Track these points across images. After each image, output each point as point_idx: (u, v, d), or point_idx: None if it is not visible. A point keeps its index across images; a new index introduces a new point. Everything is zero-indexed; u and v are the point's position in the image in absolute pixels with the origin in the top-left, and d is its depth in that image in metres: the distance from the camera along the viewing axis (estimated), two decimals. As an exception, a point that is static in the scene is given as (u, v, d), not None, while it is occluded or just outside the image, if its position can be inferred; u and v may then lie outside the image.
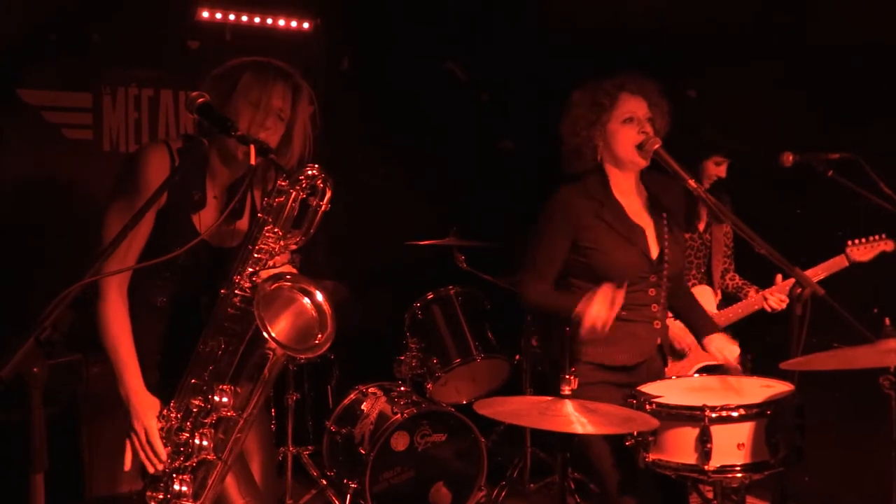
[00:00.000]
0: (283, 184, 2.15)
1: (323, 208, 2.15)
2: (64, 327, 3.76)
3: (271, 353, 2.14)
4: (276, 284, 2.17)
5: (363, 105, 5.16)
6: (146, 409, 2.22)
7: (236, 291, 2.17)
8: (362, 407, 4.07)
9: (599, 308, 2.53)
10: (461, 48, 5.47)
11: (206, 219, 2.36)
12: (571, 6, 4.50)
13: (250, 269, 2.17)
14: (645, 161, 2.75)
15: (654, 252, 2.78)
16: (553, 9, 4.64)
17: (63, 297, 1.72)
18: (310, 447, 4.44)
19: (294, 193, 2.15)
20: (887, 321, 2.23)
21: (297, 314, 2.21)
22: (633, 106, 2.75)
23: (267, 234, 2.17)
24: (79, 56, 4.54)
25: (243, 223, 2.43)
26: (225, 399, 2.15)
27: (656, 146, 2.67)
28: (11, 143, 4.42)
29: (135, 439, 2.21)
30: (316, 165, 2.17)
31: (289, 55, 2.46)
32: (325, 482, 4.21)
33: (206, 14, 4.77)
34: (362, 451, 3.86)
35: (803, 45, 3.89)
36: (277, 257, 2.20)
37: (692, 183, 2.58)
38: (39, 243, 4.35)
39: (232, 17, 4.83)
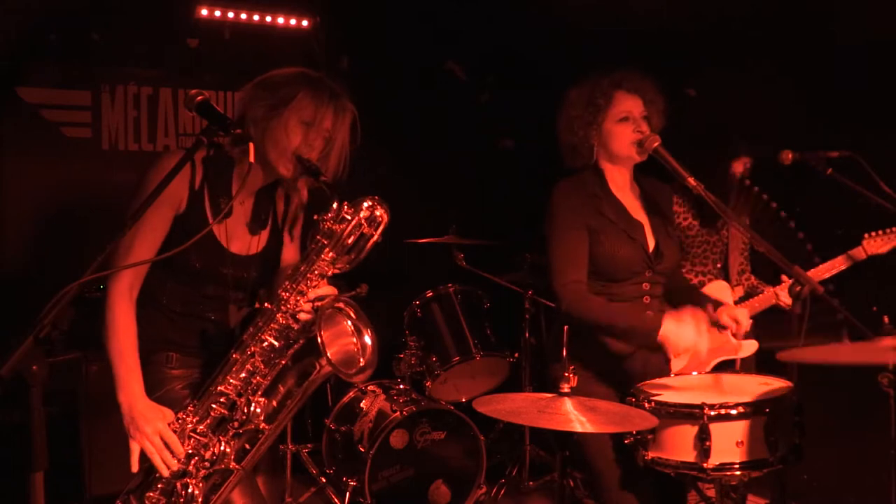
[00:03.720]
0: (348, 211, 2.19)
1: (375, 238, 2.21)
2: (64, 325, 3.74)
3: (316, 370, 2.18)
4: (337, 306, 2.24)
5: (363, 105, 5.15)
6: (155, 413, 2.18)
7: (282, 308, 2.19)
8: (361, 405, 4.06)
9: (692, 333, 2.50)
10: (461, 48, 5.47)
11: (231, 226, 2.36)
12: (572, 6, 4.50)
13: (300, 289, 2.20)
14: (641, 157, 2.75)
15: (651, 247, 2.80)
16: (553, 8, 4.63)
17: (62, 295, 1.73)
18: (309, 445, 4.43)
19: (355, 221, 2.19)
20: (886, 319, 2.23)
21: (343, 339, 2.27)
22: (629, 105, 2.75)
23: (323, 258, 2.21)
24: (78, 54, 4.53)
25: (266, 233, 2.45)
26: (258, 410, 2.17)
27: (655, 144, 2.68)
28: (10, 142, 4.42)
29: (146, 443, 2.15)
30: (374, 197, 2.22)
31: (288, 53, 2.47)
32: (324, 480, 4.21)
33: (205, 12, 4.76)
34: (361, 449, 3.86)
35: (803, 45, 3.89)
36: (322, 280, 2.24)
37: (691, 181, 2.58)
38: (38, 241, 4.35)
39: (231, 15, 4.82)
